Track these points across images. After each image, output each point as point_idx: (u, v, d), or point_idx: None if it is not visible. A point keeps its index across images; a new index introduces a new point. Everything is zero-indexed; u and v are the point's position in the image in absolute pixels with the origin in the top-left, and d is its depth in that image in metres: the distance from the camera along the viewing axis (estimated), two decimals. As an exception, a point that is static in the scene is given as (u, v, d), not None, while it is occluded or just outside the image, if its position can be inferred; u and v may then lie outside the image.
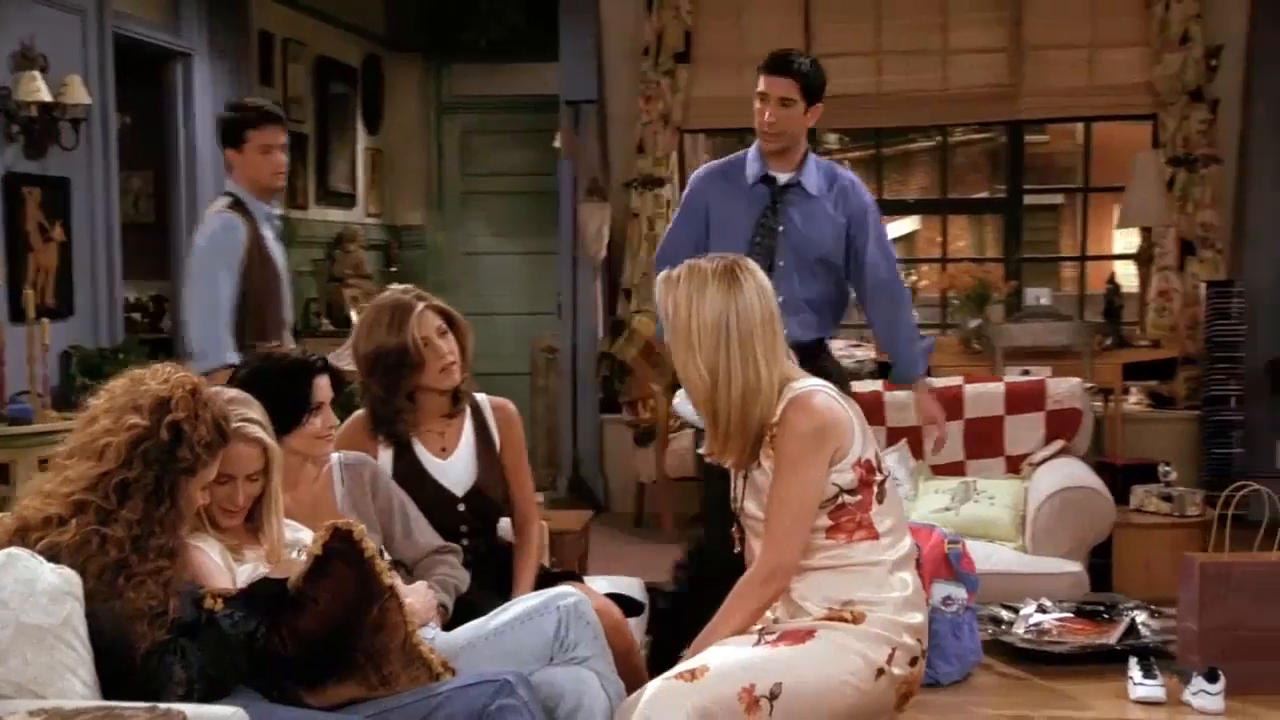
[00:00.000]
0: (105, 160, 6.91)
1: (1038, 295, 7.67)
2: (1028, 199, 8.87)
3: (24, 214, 6.30)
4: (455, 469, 3.79)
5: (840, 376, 4.41)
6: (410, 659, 2.95)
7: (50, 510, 2.75)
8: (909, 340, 4.54)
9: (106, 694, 2.66)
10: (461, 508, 3.75)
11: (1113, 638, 3.50)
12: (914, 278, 9.67)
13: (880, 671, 2.97)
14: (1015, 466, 5.22)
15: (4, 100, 6.21)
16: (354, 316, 9.31)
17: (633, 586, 4.16)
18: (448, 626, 3.34)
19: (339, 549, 2.90)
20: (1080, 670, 3.36)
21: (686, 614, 3.64)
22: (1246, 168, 7.73)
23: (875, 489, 3.05)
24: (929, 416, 4.51)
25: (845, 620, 3.00)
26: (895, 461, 5.01)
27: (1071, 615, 3.67)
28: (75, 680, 2.59)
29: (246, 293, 4.73)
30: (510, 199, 10.84)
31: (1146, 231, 7.81)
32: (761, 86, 4.36)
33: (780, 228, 4.38)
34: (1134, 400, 7.71)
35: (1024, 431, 5.30)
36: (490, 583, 3.71)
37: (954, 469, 5.26)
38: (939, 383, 5.26)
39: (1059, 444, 5.21)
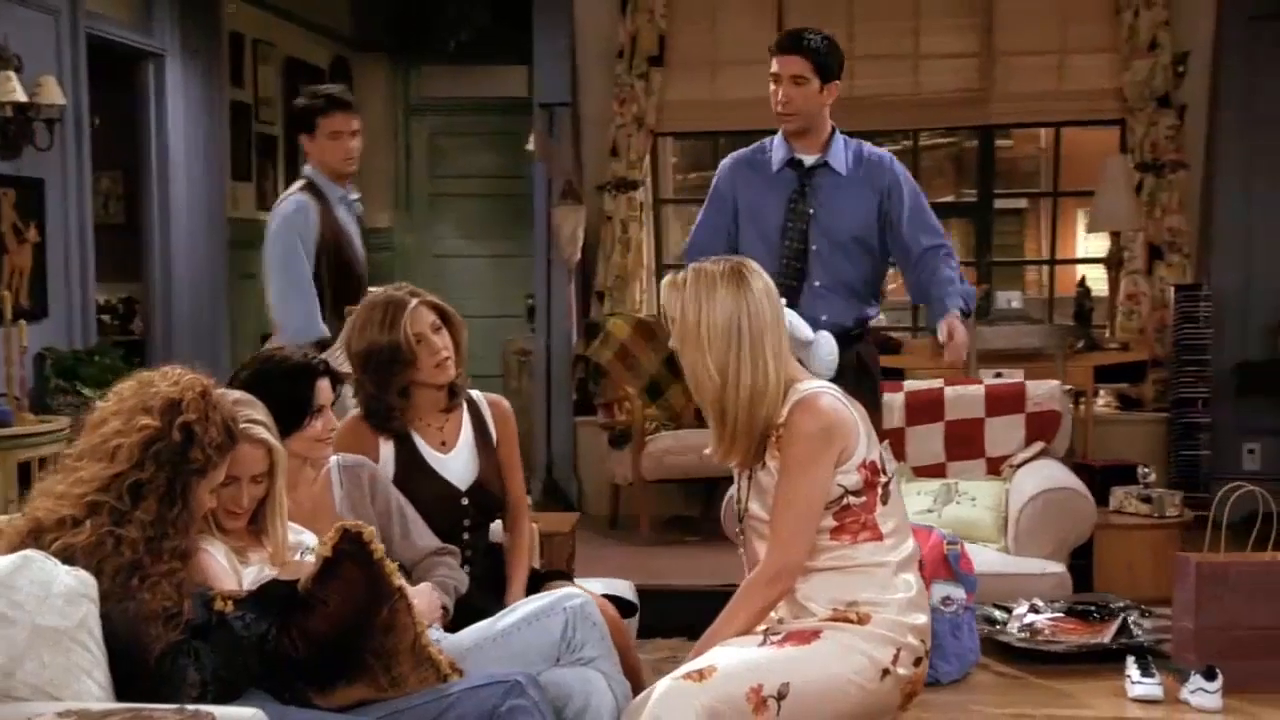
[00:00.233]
0: (79, 161, 6.87)
1: (1009, 298, 7.73)
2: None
3: (-1, 215, 6.28)
4: (457, 464, 3.81)
5: (875, 368, 4.47)
6: (419, 660, 2.96)
7: (63, 511, 2.75)
8: (945, 283, 4.37)
9: (120, 696, 2.66)
10: (465, 501, 3.77)
11: (1106, 637, 3.55)
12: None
13: (885, 672, 3.01)
14: (996, 468, 5.27)
15: (-21, 100, 6.18)
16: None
17: (624, 588, 4.19)
18: (448, 628, 3.35)
19: (348, 550, 2.91)
20: (1076, 669, 3.41)
21: None
22: (1213, 173, 7.82)
23: (880, 490, 3.08)
24: (948, 327, 4.25)
25: (850, 621, 3.03)
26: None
27: (1063, 615, 3.71)
28: (91, 682, 2.59)
29: (319, 274, 4.80)
30: (478, 201, 10.84)
31: (1115, 236, 7.88)
32: (774, 67, 4.37)
33: (811, 210, 4.37)
34: (1102, 403, 7.79)
35: (1004, 433, 5.35)
36: (488, 580, 3.73)
37: (935, 471, 5.31)
38: (920, 385, 5.31)
39: (1039, 446, 5.26)
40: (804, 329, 4.10)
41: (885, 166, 4.46)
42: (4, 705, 2.43)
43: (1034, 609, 3.70)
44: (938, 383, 5.55)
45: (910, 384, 5.63)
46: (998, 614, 3.67)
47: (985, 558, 4.65)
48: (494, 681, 2.92)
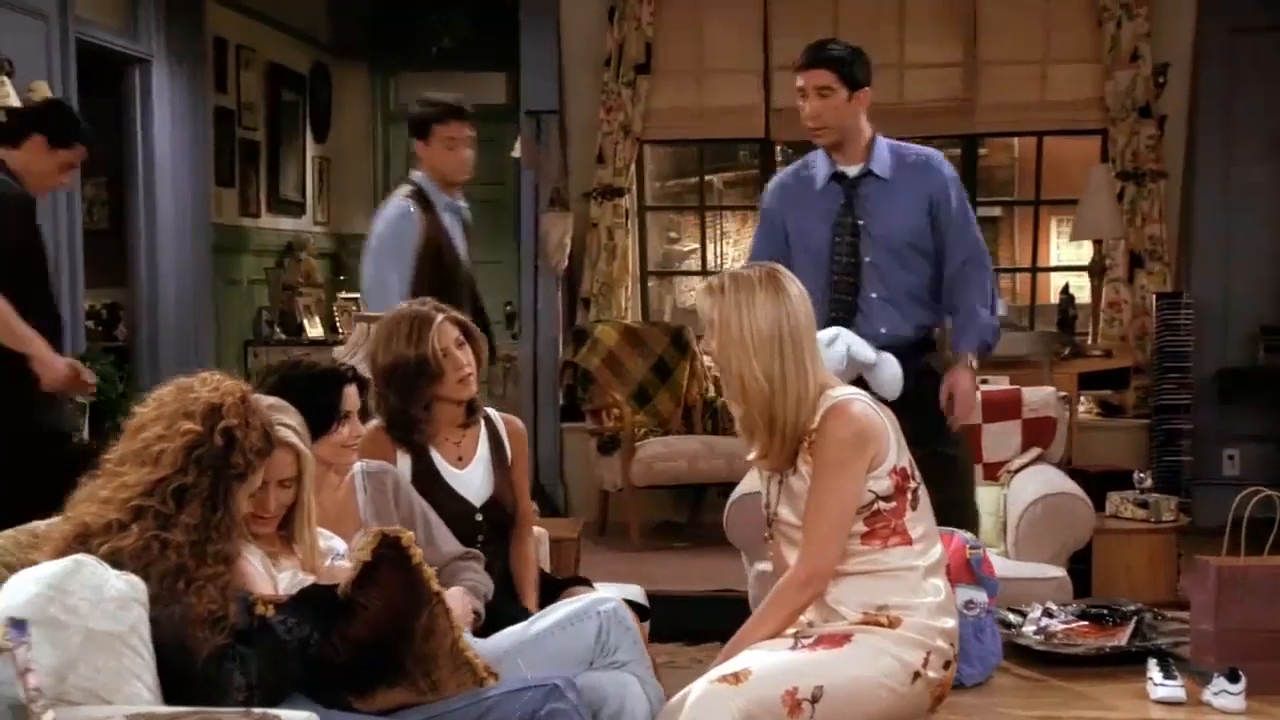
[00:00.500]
0: (69, 166, 6.83)
1: (994, 306, 7.78)
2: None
3: (-9, 220, 6.23)
4: (473, 480, 3.83)
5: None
6: (457, 664, 2.98)
7: (109, 516, 2.75)
8: (968, 316, 4.37)
9: (167, 699, 2.66)
10: (479, 518, 3.79)
11: (1122, 640, 3.59)
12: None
13: (916, 675, 3.04)
14: (993, 474, 5.32)
15: (-27, 106, 6.14)
16: (306, 325, 9.30)
17: (636, 593, 4.23)
18: (476, 633, 3.37)
19: (388, 555, 2.92)
20: (1094, 672, 3.44)
21: None
22: (1193, 182, 7.92)
23: (909, 496, 3.12)
24: (948, 388, 4.31)
25: (881, 625, 3.07)
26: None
27: (1075, 618, 3.75)
28: (140, 685, 2.60)
29: (419, 281, 4.82)
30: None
31: (1098, 244, 7.96)
32: (799, 82, 4.33)
33: (860, 221, 4.33)
34: (1083, 409, 7.87)
35: (1001, 440, 5.40)
36: (507, 592, 3.76)
37: (933, 476, 5.34)
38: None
39: (1035, 451, 5.31)
40: (865, 351, 4.14)
41: (934, 166, 4.40)
42: (60, 709, 2.42)
43: (1048, 613, 3.74)
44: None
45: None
46: (1012, 617, 3.71)
47: (987, 562, 4.71)
48: (533, 685, 2.94)
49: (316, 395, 3.41)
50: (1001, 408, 5.43)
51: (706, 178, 9.79)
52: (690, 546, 7.25)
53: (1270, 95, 7.78)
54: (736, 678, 2.97)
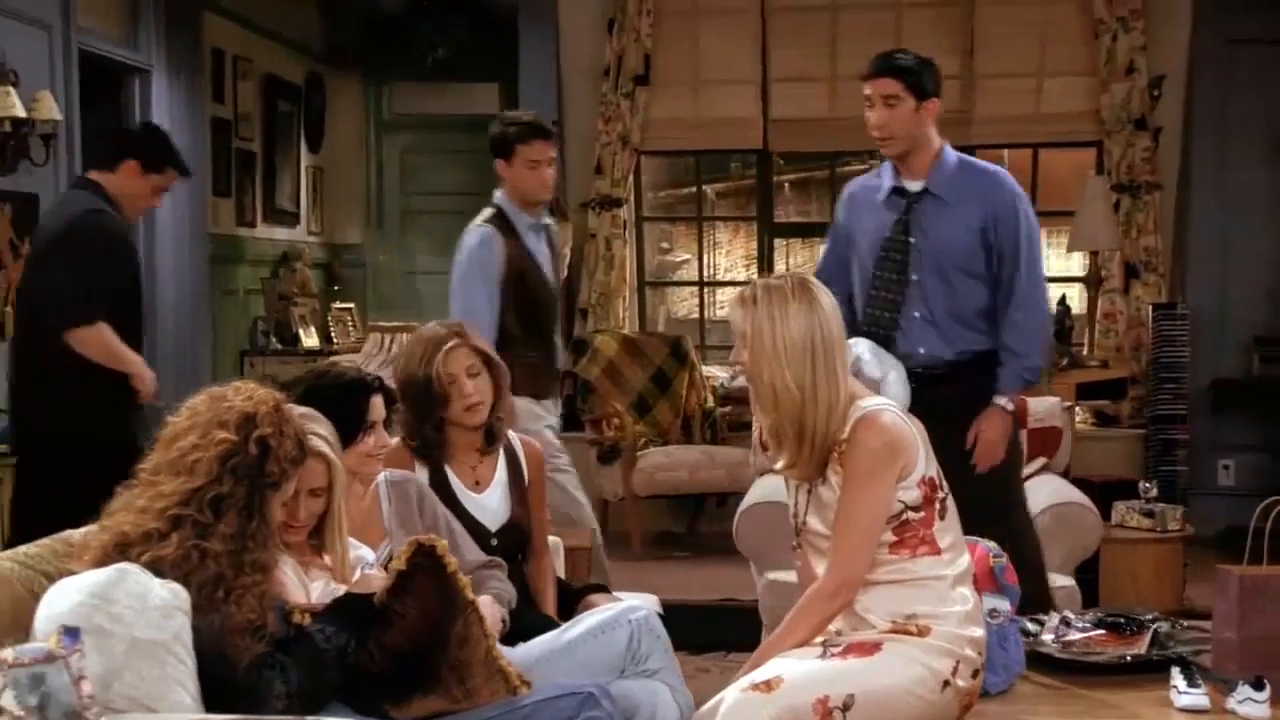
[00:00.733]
0: (71, 176, 6.83)
1: (992, 316, 7.83)
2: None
3: (-4, 231, 6.25)
4: (489, 503, 3.84)
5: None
6: (491, 672, 2.99)
7: (148, 525, 2.76)
8: (1008, 357, 4.27)
9: (208, 707, 2.67)
10: (494, 542, 3.79)
11: (1141, 648, 3.61)
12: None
13: (946, 683, 3.06)
14: (1000, 484, 5.34)
15: (-22, 116, 6.15)
16: (302, 335, 9.30)
17: (651, 603, 4.23)
18: (503, 640, 3.38)
19: (423, 564, 2.95)
20: (1116, 680, 3.46)
21: None
22: (1187, 194, 8.00)
23: (937, 506, 3.14)
24: (974, 432, 4.24)
25: (910, 633, 3.08)
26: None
27: (1093, 626, 3.77)
28: (184, 693, 2.61)
29: (506, 305, 4.89)
30: (450, 218, 10.80)
31: (1094, 255, 8.01)
32: (865, 90, 4.25)
33: (912, 239, 4.25)
34: (1079, 419, 7.91)
35: (1007, 450, 5.42)
36: (525, 603, 3.78)
37: (939, 486, 5.37)
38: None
39: (1041, 461, 5.35)
40: (873, 369, 4.13)
41: (997, 189, 4.24)
42: (106, 717, 2.44)
43: (1065, 621, 3.76)
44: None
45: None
46: (1030, 626, 3.73)
47: (996, 571, 4.74)
48: (568, 693, 2.95)
49: (343, 405, 3.41)
50: (1008, 418, 5.45)
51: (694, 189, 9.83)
52: (691, 556, 7.28)
53: (1264, 107, 7.88)
54: (769, 685, 2.99)
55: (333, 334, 9.59)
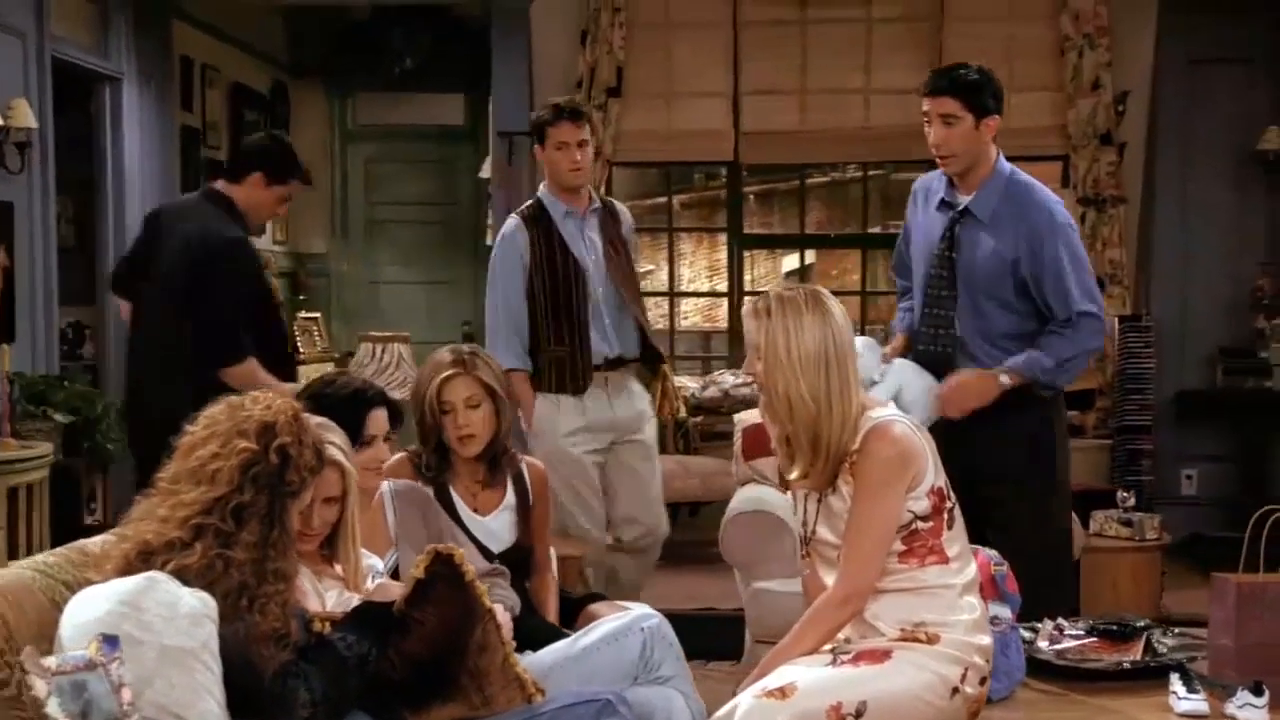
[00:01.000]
0: (44, 184, 6.82)
1: (962, 327, 7.91)
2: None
3: (-28, 240, 6.22)
4: (494, 527, 3.87)
5: (1061, 421, 4.36)
6: (508, 679, 3.02)
7: (170, 534, 2.76)
8: (1034, 349, 4.16)
9: (234, 715, 2.68)
10: (496, 564, 3.81)
11: (1135, 655, 3.67)
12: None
13: (955, 690, 3.11)
14: (979, 493, 5.39)
15: (-46, 124, 6.12)
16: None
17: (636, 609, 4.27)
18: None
19: (441, 573, 2.97)
20: (1112, 686, 3.52)
21: None
22: (1151, 208, 8.10)
23: (946, 515, 3.19)
24: (954, 377, 4.18)
25: (920, 641, 3.13)
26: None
27: (1085, 634, 3.83)
28: (211, 700, 2.61)
29: (534, 295, 4.91)
30: (414, 228, 10.86)
31: (1061, 268, 8.09)
32: (924, 107, 4.18)
33: (954, 256, 4.22)
34: (1046, 430, 8.00)
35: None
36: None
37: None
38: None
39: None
40: (871, 371, 4.15)
41: (1033, 219, 4.13)
42: (139, 726, 2.45)
43: (1058, 628, 3.82)
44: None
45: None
46: (1025, 633, 3.79)
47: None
48: (586, 700, 2.98)
49: (341, 415, 3.42)
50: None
51: (665, 199, 9.89)
52: (666, 566, 7.27)
53: (1225, 123, 8.00)
54: (782, 692, 3.02)
55: (299, 344, 9.54)
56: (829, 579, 3.25)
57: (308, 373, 6.94)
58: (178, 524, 2.78)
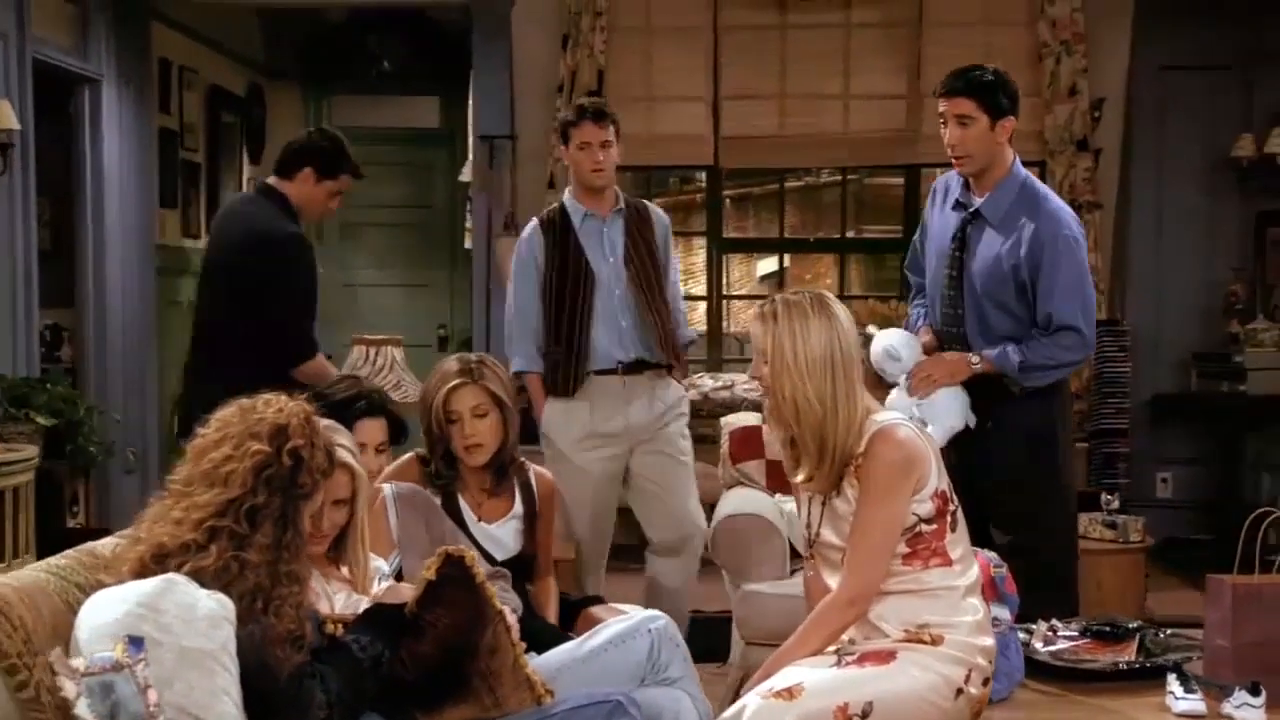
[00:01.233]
0: (25, 185, 6.79)
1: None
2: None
3: (-46, 241, 6.19)
4: (500, 535, 3.90)
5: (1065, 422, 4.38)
6: (518, 681, 3.04)
7: (185, 536, 2.77)
8: (1013, 345, 4.20)
9: (249, 716, 2.69)
10: (497, 568, 3.83)
11: (1130, 655, 3.72)
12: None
13: (959, 691, 3.15)
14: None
15: (-63, 126, 6.09)
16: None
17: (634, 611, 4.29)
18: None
19: (452, 575, 2.98)
20: (1109, 687, 3.56)
21: None
22: (1126, 214, 8.17)
23: (949, 518, 3.23)
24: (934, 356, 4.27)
25: (924, 642, 3.17)
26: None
27: (1080, 635, 3.88)
28: (229, 702, 2.62)
29: (546, 296, 4.92)
30: (388, 231, 10.85)
31: (1038, 273, 8.15)
32: (940, 108, 4.22)
33: (963, 256, 4.26)
34: (1021, 433, 8.05)
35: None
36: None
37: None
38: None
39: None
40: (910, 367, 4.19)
41: (1041, 221, 4.15)
42: (161, 728, 2.46)
43: (1052, 630, 3.86)
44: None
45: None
46: (1020, 634, 3.83)
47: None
48: (596, 701, 3.00)
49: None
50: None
51: (642, 203, 9.89)
52: (642, 569, 7.28)
53: (1199, 130, 8.08)
54: (790, 693, 3.06)
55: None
56: (832, 581, 3.28)
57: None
58: (192, 526, 2.79)
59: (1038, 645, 3.79)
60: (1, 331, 6.58)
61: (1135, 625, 3.91)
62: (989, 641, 3.23)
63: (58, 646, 2.46)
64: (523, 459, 4.06)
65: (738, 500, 5.28)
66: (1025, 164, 8.10)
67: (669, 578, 5.18)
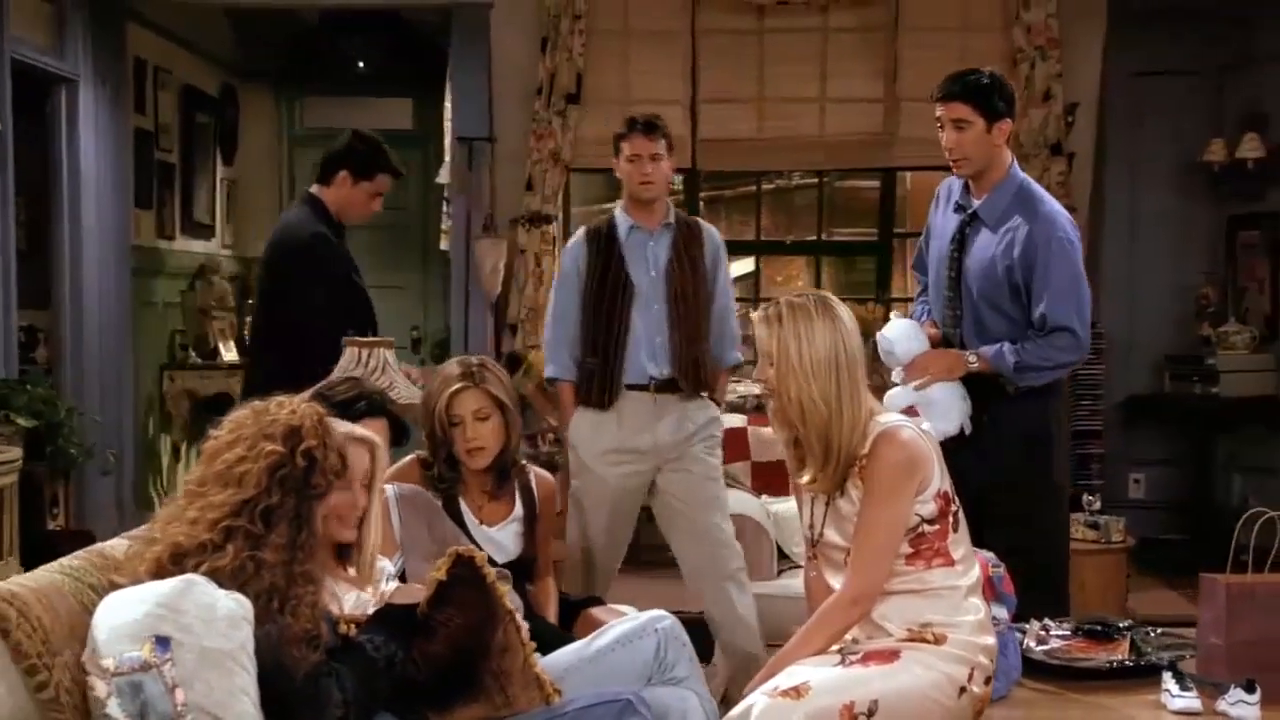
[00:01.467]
0: (3, 186, 6.75)
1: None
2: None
3: (-66, 241, 6.15)
4: (500, 538, 3.93)
5: (1061, 423, 4.41)
6: (528, 680, 3.06)
7: (201, 536, 2.78)
8: (1010, 345, 4.21)
9: (267, 716, 2.70)
10: (499, 568, 3.84)
11: (1122, 654, 3.77)
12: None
13: (962, 690, 3.19)
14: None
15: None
16: (221, 349, 9.22)
17: (633, 612, 4.31)
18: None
19: (462, 575, 3.01)
20: (1103, 685, 3.61)
21: None
22: (1100, 218, 8.25)
23: (951, 519, 3.27)
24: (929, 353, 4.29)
25: (927, 641, 3.21)
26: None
27: (1071, 634, 3.92)
28: (248, 702, 2.64)
29: (585, 306, 4.92)
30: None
31: (1012, 275, 8.22)
32: (937, 112, 4.26)
33: (961, 257, 4.31)
34: (996, 435, 8.12)
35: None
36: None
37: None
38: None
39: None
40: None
41: (1036, 223, 4.18)
42: (181, 728, 2.47)
43: (1045, 629, 3.91)
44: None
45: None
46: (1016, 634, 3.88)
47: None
48: (607, 700, 3.03)
49: None
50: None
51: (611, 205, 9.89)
52: (632, 568, 7.31)
53: (1170, 135, 8.19)
54: (797, 692, 3.09)
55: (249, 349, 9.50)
56: (835, 582, 3.32)
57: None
58: (208, 526, 2.81)
59: (1031, 644, 3.83)
60: (-20, 332, 6.55)
61: (1126, 625, 3.95)
62: (991, 640, 3.27)
63: (88, 647, 2.46)
64: (523, 461, 4.08)
65: (730, 503, 5.30)
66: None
67: (715, 608, 5.04)
